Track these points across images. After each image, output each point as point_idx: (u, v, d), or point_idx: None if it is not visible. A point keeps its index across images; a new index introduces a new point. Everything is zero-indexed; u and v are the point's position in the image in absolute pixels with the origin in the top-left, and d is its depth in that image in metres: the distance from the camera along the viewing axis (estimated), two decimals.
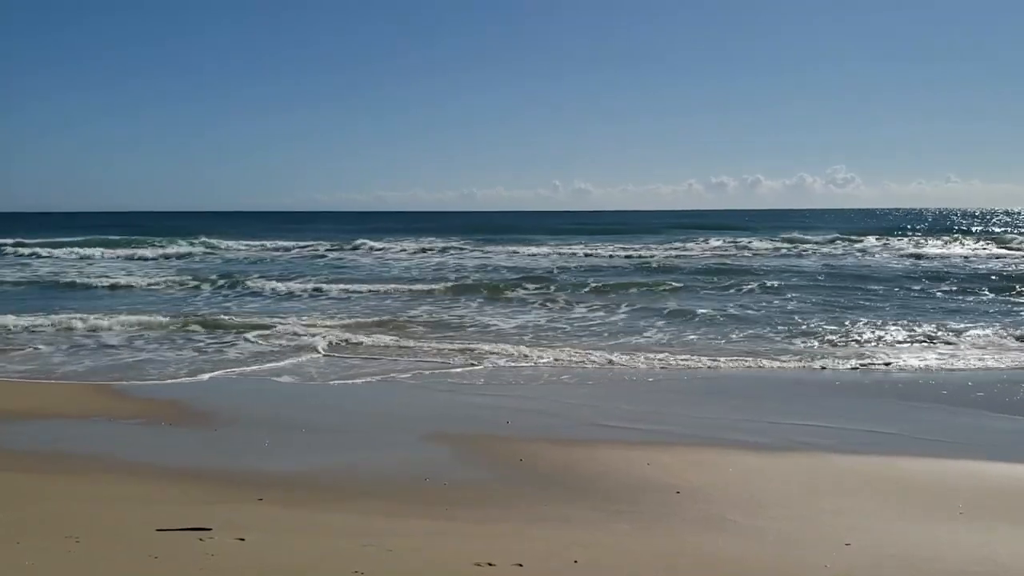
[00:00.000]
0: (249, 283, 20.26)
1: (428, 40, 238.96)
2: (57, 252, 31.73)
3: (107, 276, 22.60)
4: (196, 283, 20.68)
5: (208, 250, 34.34)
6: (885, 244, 34.70)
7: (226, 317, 14.06)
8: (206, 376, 9.59)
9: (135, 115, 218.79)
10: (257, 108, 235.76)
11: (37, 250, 32.34)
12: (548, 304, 16.00)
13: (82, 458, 6.34)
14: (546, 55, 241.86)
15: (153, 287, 20.32)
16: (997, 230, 46.45)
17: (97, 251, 31.93)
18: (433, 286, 19.31)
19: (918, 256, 28.63)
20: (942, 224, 57.98)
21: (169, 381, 9.34)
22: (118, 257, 30.77)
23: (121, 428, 7.29)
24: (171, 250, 33.26)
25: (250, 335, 12.21)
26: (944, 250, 31.22)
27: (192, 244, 36.26)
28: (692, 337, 12.21)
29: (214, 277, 21.73)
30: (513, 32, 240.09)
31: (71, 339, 12.14)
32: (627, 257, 29.16)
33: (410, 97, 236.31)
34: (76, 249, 32.45)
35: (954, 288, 18.54)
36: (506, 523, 4.85)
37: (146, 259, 30.25)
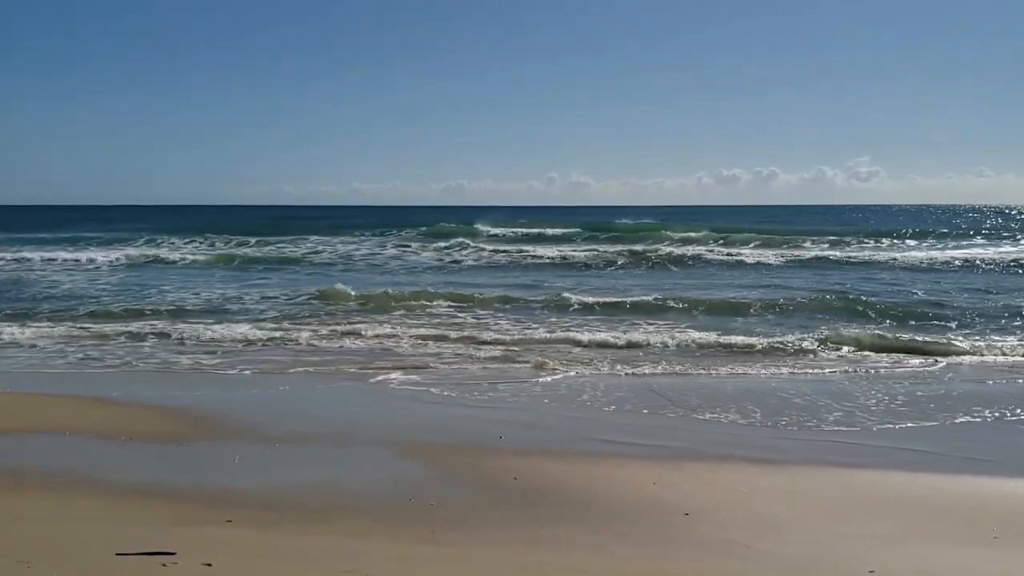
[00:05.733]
0: None
1: (410, 18, 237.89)
2: None
3: None
4: None
5: None
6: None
7: None
8: None
9: (75, 100, 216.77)
10: (219, 91, 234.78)
11: None
12: None
13: (34, 475, 6.34)
14: (541, 36, 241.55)
15: None
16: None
17: None
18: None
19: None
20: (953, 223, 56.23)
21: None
22: None
23: (77, 442, 7.30)
24: None
25: None
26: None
27: None
28: None
29: None
30: (505, 10, 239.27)
31: None
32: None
33: (394, 81, 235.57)
34: None
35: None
36: (498, 546, 4.87)
37: None
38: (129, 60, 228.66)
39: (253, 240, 36.69)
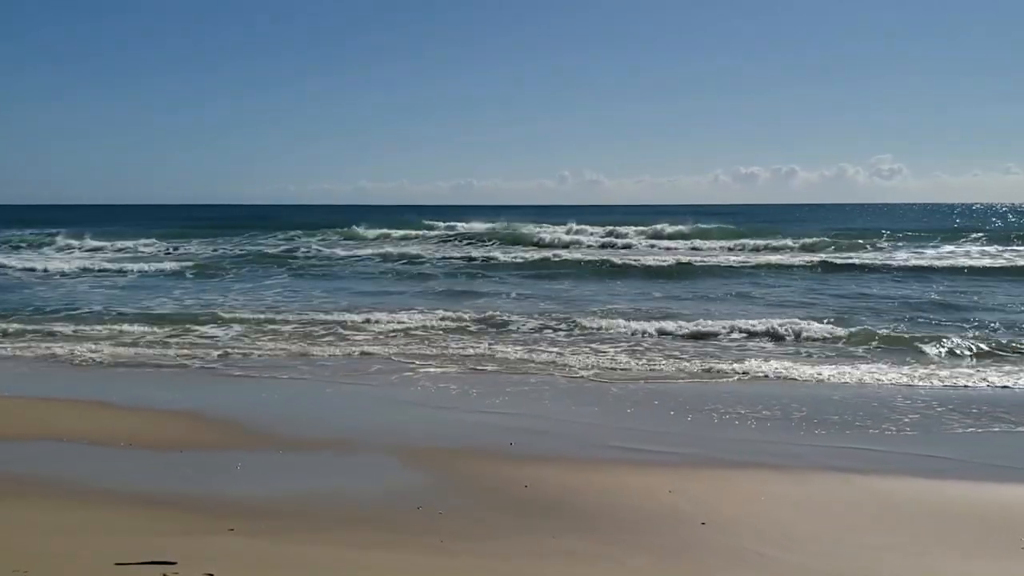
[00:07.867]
0: None
1: (412, 16, 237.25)
2: None
3: None
4: None
5: None
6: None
7: None
8: None
9: (75, 100, 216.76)
10: (219, 91, 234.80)
11: None
12: None
13: (31, 482, 6.34)
14: (553, 29, 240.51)
15: None
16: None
17: None
18: None
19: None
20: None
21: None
22: None
23: (76, 448, 7.29)
24: None
25: None
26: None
27: None
28: None
29: None
30: (507, 8, 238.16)
31: None
32: None
33: (397, 79, 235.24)
34: None
35: None
36: (509, 558, 4.84)
37: None
38: (129, 59, 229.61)
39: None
